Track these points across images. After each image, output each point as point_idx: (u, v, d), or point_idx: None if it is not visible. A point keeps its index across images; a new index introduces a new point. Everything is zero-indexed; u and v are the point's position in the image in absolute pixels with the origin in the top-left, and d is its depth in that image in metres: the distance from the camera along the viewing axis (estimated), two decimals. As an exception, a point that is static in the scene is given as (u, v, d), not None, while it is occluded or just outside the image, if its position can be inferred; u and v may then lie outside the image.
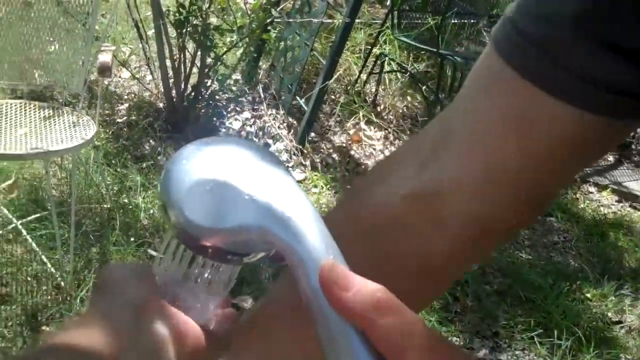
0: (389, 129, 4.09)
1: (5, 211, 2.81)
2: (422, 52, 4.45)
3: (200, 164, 0.46)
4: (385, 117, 4.21)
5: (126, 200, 3.07)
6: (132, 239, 2.84)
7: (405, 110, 4.31)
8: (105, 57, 2.83)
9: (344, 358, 0.41)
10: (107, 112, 3.71)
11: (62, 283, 2.54)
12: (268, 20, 3.70)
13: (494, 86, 0.57)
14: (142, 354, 0.43)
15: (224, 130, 3.83)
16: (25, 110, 2.82)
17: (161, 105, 3.87)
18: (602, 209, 3.63)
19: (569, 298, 2.90)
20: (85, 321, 0.45)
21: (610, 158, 4.23)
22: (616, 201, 3.74)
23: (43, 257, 2.63)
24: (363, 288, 0.41)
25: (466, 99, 0.61)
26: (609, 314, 2.90)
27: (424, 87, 4.19)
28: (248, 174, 0.45)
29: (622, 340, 2.76)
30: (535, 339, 2.67)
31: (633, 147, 4.30)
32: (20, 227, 2.73)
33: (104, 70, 2.81)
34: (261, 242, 0.45)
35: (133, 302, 0.45)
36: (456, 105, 0.63)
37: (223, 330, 0.50)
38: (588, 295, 2.96)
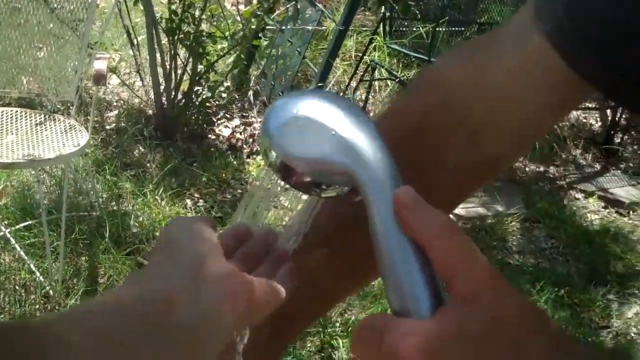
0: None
1: (-6, 219, 2.81)
2: (413, 59, 4.47)
3: (299, 103, 0.55)
4: (375, 124, 4.22)
5: (116, 208, 3.07)
6: (122, 247, 2.84)
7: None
8: (100, 65, 2.83)
9: (400, 272, 0.47)
10: (96, 118, 3.71)
11: (51, 292, 2.54)
12: (260, 28, 3.71)
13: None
14: (200, 311, 0.44)
15: (212, 137, 3.83)
16: (14, 118, 2.82)
17: (151, 112, 3.88)
18: (589, 215, 3.65)
19: (557, 304, 2.92)
20: (145, 276, 0.47)
21: (597, 165, 4.26)
22: (602, 207, 3.76)
23: (32, 265, 2.63)
24: (430, 212, 0.47)
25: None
26: (597, 319, 2.92)
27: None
28: (337, 117, 0.54)
29: (610, 345, 2.78)
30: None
31: (619, 154, 4.33)
32: (8, 235, 2.72)
33: (99, 79, 2.81)
34: (340, 175, 0.52)
35: (193, 260, 0.46)
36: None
37: (285, 286, 0.53)
38: (576, 300, 2.98)
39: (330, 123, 0.54)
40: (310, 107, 0.55)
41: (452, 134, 0.63)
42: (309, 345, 2.51)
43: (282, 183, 0.56)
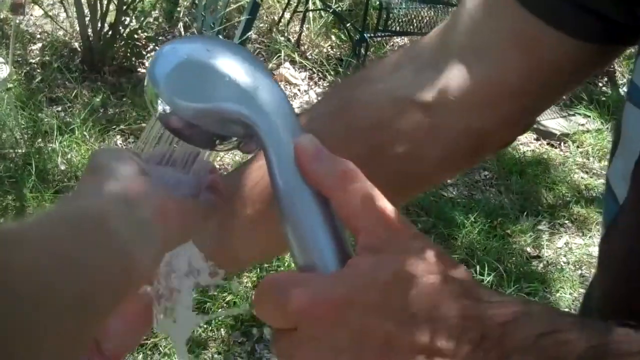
0: (314, 69, 4.04)
1: None
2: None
3: (187, 48, 0.51)
4: (310, 56, 4.16)
5: (42, 145, 2.95)
6: (49, 185, 2.74)
7: (329, 50, 4.26)
8: (18, -5, 2.68)
9: (303, 224, 0.45)
10: (18, 52, 3.54)
11: (-24, 232, 2.44)
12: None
13: (498, 10, 0.60)
14: (131, 226, 0.44)
15: (142, 70, 3.71)
16: None
17: (76, 44, 3.72)
18: (521, 147, 3.70)
19: (490, 235, 2.97)
20: (77, 196, 0.48)
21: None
22: (534, 139, 3.82)
23: (-46, 205, 2.52)
24: (333, 160, 0.45)
25: (468, 17, 0.62)
26: (528, 249, 2.99)
27: (348, 26, 4.14)
28: (231, 62, 0.49)
29: (541, 274, 2.85)
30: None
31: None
32: None
33: (16, 8, 2.68)
34: (237, 125, 0.48)
35: (121, 181, 0.46)
36: (456, 20, 0.64)
37: (209, 200, 0.53)
38: (508, 231, 3.04)
39: (223, 68, 0.49)
40: (201, 53, 0.50)
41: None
42: (245, 280, 2.50)
43: (173, 136, 0.51)
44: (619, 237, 0.53)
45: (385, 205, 0.45)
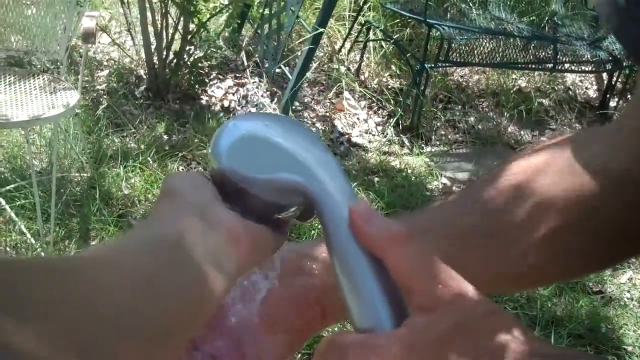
0: (373, 98, 4.06)
1: (-16, 180, 2.77)
2: (409, 20, 4.41)
3: (247, 124, 0.53)
4: (369, 86, 4.18)
5: (107, 169, 3.03)
6: (113, 209, 2.80)
7: (389, 79, 4.28)
8: (89, 23, 2.77)
9: (359, 285, 0.46)
10: (86, 78, 3.65)
11: (43, 253, 2.51)
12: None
13: None
14: (206, 252, 0.45)
15: (205, 98, 3.78)
16: (3, 77, 2.76)
17: (142, 72, 3.82)
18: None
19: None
20: (152, 222, 0.48)
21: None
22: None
23: (22, 227, 2.59)
24: (385, 222, 0.47)
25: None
26: (590, 284, 2.92)
27: (408, 56, 4.15)
28: (286, 135, 0.52)
29: (603, 310, 2.78)
30: (520, 313, 2.69)
31: (614, 118, 4.30)
32: (-2, 196, 2.69)
33: (88, 37, 2.76)
34: (294, 193, 0.50)
35: (197, 206, 0.48)
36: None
37: (279, 230, 0.54)
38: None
39: (279, 141, 0.52)
40: (259, 127, 0.53)
41: None
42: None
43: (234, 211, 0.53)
44: None
45: (438, 265, 0.45)
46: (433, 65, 3.91)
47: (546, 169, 0.64)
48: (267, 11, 4.06)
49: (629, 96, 4.52)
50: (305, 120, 3.78)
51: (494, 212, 0.64)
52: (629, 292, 2.88)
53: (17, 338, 0.32)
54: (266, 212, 0.52)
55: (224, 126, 0.53)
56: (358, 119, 3.92)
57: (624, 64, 4.14)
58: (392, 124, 3.77)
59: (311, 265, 0.61)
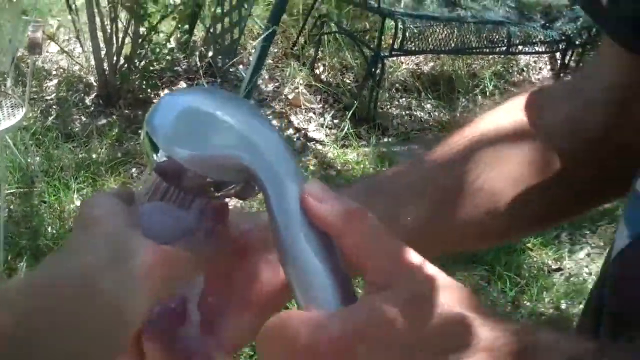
0: (329, 92, 4.04)
1: None
2: (363, 11, 4.39)
3: (185, 98, 0.51)
4: (325, 79, 4.17)
5: (57, 183, 2.99)
6: (66, 222, 2.77)
7: (345, 71, 4.27)
8: (35, 34, 2.73)
9: (306, 263, 0.44)
10: (34, 89, 3.60)
11: (-7, 272, 2.47)
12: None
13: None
14: (118, 284, 0.45)
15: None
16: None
17: (92, 79, 3.77)
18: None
19: (510, 249, 2.92)
20: (64, 254, 0.48)
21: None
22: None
23: (-30, 246, 2.55)
24: (339, 201, 0.45)
25: None
26: (549, 262, 2.94)
27: (363, 47, 4.14)
28: (229, 110, 0.50)
29: (564, 286, 2.79)
30: (481, 294, 2.69)
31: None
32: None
33: (34, 47, 2.72)
34: (236, 170, 0.48)
35: (108, 237, 0.47)
36: None
37: (206, 243, 0.53)
38: (529, 245, 2.99)
39: (221, 116, 0.49)
40: (199, 101, 0.51)
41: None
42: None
43: (171, 188, 0.52)
44: None
45: (392, 241, 0.44)
46: (388, 54, 3.90)
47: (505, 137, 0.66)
48: (219, 10, 4.03)
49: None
50: (262, 117, 3.75)
51: (451, 170, 0.66)
52: (587, 267, 2.90)
53: None
54: (204, 191, 0.51)
55: (160, 100, 0.51)
56: (314, 113, 3.91)
57: (577, 42, 4.17)
58: (348, 117, 3.75)
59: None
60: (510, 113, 0.67)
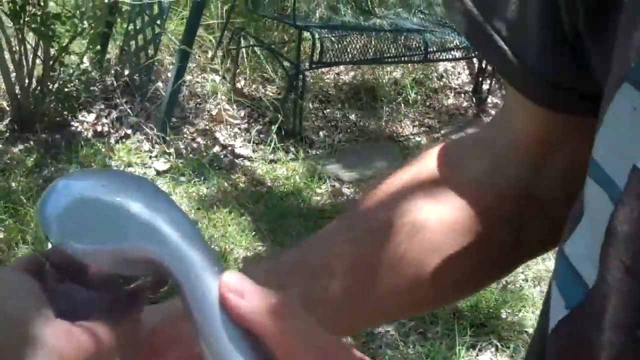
0: (252, 107, 3.99)
1: None
2: (279, 23, 4.36)
3: (80, 185, 0.46)
4: (247, 93, 4.11)
5: (-25, 215, 2.83)
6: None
7: (266, 85, 4.22)
8: None
9: None
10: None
11: None
12: (113, 2, 3.50)
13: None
14: None
15: (76, 125, 3.60)
16: None
17: (5, 104, 3.59)
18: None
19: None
20: None
21: (469, 113, 4.34)
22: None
23: None
24: (260, 295, 0.41)
25: None
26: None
27: (282, 60, 4.10)
28: (130, 196, 0.44)
29: (502, 295, 2.82)
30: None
31: (488, 100, 4.42)
32: None
33: None
34: (144, 262, 0.44)
35: (16, 320, 0.43)
36: None
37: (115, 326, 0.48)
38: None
39: (121, 204, 0.44)
40: (95, 188, 0.45)
41: None
42: None
43: (69, 282, 0.46)
44: (590, 322, 0.48)
45: (325, 339, 0.42)
46: (308, 67, 3.88)
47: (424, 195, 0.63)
48: (131, 27, 3.92)
49: (500, 78, 4.66)
50: (185, 135, 3.67)
51: (372, 243, 0.63)
52: (522, 273, 2.94)
53: None
54: (111, 286, 0.46)
55: (52, 187, 0.46)
56: (239, 129, 3.85)
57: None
58: (274, 131, 3.71)
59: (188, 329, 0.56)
60: (424, 172, 0.65)
